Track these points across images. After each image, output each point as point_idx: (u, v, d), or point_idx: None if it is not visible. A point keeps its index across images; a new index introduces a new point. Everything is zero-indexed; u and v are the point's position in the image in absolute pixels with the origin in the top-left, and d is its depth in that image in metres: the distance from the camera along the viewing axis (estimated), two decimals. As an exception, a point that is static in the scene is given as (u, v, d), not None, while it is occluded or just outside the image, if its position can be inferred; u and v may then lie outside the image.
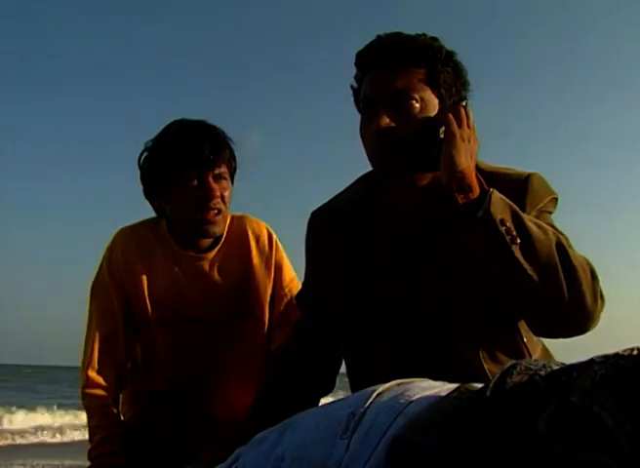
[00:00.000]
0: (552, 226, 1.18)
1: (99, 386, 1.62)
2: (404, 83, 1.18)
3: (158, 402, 1.75)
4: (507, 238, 1.05)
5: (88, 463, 1.59)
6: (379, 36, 1.23)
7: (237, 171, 1.69)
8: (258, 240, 1.76)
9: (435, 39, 1.23)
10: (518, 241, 1.06)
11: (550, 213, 1.24)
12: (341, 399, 0.88)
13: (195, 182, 1.58)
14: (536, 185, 1.21)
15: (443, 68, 1.20)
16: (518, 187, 1.20)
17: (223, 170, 1.62)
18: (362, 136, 1.23)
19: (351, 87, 1.27)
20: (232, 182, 1.67)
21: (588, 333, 1.13)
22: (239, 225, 1.76)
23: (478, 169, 1.23)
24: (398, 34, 1.22)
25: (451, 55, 1.23)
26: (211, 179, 1.59)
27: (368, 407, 0.80)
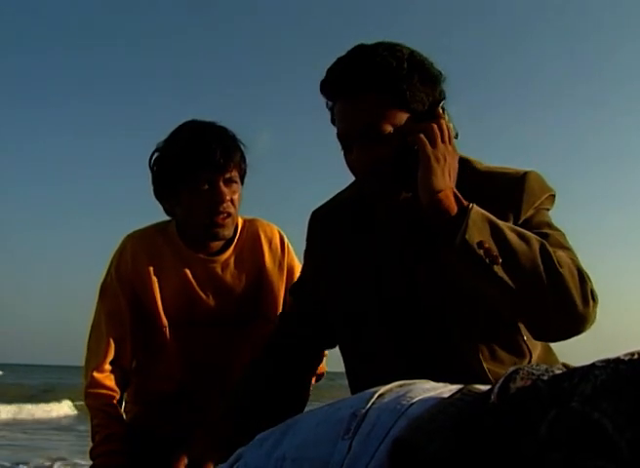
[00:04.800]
0: (547, 224, 1.18)
1: (103, 387, 1.62)
2: (370, 115, 1.14)
3: (164, 402, 1.76)
4: (487, 260, 1.04)
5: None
6: (339, 60, 1.18)
7: (247, 172, 1.69)
8: (270, 243, 1.77)
9: (395, 49, 1.16)
10: (499, 261, 1.04)
11: (548, 209, 1.23)
12: (343, 399, 0.87)
13: (206, 186, 1.59)
14: (532, 183, 1.20)
15: (408, 85, 1.14)
16: (515, 186, 1.19)
17: (234, 173, 1.62)
18: (347, 165, 1.22)
19: (326, 105, 1.23)
20: (242, 184, 1.67)
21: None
22: (251, 228, 1.77)
23: (474, 169, 1.22)
24: (355, 57, 1.16)
25: (413, 62, 1.16)
26: (221, 183, 1.60)
27: (370, 407, 0.80)
